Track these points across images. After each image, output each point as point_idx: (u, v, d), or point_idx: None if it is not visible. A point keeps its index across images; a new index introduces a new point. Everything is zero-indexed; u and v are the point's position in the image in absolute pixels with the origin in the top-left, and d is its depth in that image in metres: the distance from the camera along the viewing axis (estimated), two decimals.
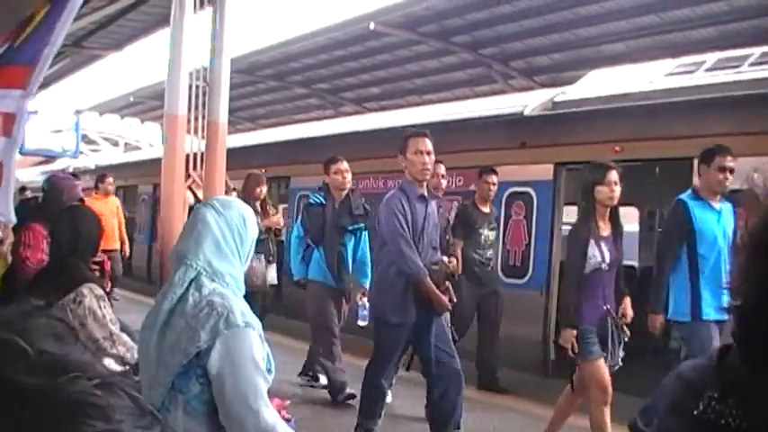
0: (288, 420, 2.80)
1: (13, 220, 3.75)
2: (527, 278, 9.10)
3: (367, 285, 7.79)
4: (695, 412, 1.26)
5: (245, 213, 2.84)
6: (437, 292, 5.91)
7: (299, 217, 8.35)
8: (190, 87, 6.72)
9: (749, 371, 1.24)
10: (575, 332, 5.65)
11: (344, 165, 7.82)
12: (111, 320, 4.26)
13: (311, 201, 7.98)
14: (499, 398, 7.98)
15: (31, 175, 22.25)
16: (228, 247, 2.74)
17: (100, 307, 4.22)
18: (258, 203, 8.99)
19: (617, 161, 8.10)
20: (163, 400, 2.58)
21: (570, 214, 9.77)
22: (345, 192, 7.84)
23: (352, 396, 7.34)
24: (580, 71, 11.73)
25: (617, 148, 8.08)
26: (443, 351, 6.07)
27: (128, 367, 3.71)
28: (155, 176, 14.71)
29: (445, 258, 6.75)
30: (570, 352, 5.72)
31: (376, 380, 6.28)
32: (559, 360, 7.42)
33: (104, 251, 11.57)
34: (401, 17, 14.08)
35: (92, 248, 4.53)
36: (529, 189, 8.94)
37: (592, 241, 5.70)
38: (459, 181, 9.76)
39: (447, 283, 6.45)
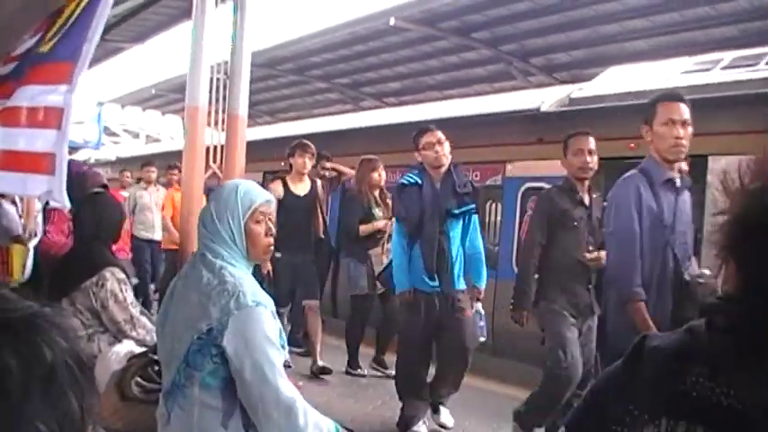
0: None
1: (68, 205, 3.90)
2: None
3: (482, 285, 6.46)
4: (682, 387, 1.31)
5: (221, 193, 2.94)
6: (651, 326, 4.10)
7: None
8: (211, 80, 6.81)
9: (739, 352, 1.29)
10: None
11: (437, 135, 6.39)
12: (132, 304, 4.39)
13: (404, 181, 6.44)
14: None
15: None
16: (210, 226, 2.86)
17: (121, 290, 4.35)
18: (377, 192, 8.46)
19: (631, 158, 8.18)
20: (179, 375, 2.69)
21: None
22: (444, 168, 6.34)
23: None
24: (600, 68, 11.75)
25: (632, 145, 8.11)
26: None
27: (147, 349, 3.81)
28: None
29: (707, 271, 4.55)
30: None
31: None
32: None
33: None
34: (421, 13, 14.11)
35: (113, 233, 4.67)
36: (545, 184, 8.95)
37: None
38: (476, 176, 9.83)
39: None
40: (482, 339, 6.33)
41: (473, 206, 6.37)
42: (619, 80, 9.38)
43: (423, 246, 6.20)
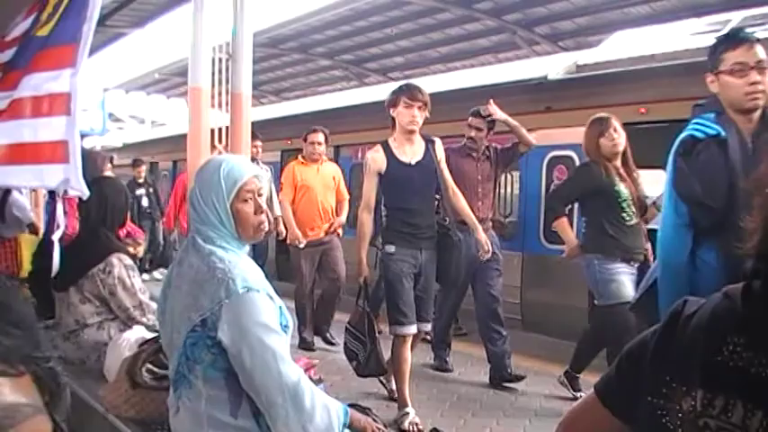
0: (319, 381, 2.82)
1: (86, 192, 3.82)
2: None
3: None
4: (719, 358, 1.23)
5: (204, 173, 2.80)
6: None
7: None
8: (213, 61, 6.75)
9: None
10: None
11: (757, 52, 3.48)
12: (141, 290, 4.34)
13: (694, 132, 3.56)
14: None
15: None
16: (198, 208, 2.74)
17: (129, 276, 4.30)
18: (619, 162, 6.02)
19: (642, 123, 8.10)
20: (181, 366, 2.62)
21: None
22: (758, 113, 3.57)
23: None
24: (604, 35, 11.63)
25: (642, 110, 8.02)
26: None
27: (157, 335, 3.76)
28: (174, 153, 14.88)
29: None
30: None
31: None
32: None
33: (311, 243, 8.09)
34: None
35: (120, 219, 4.61)
36: (571, 153, 8.77)
37: None
38: None
39: None
40: None
41: None
42: (626, 45, 9.25)
43: (725, 249, 3.29)
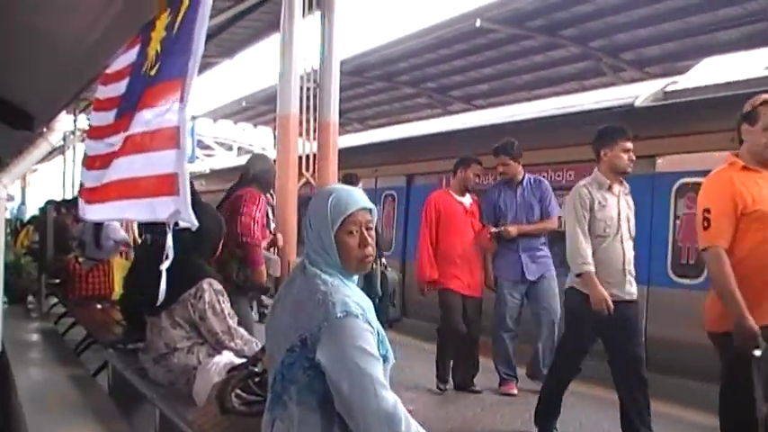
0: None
1: (196, 223, 3.94)
2: None
3: None
4: None
5: (315, 201, 2.85)
6: None
7: None
8: (301, 89, 6.87)
9: None
10: None
11: None
12: (230, 315, 4.41)
13: None
14: None
15: None
16: (308, 233, 2.80)
17: (219, 301, 4.38)
18: None
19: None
20: (276, 384, 2.66)
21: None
22: None
23: None
24: (692, 61, 11.42)
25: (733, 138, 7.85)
26: None
27: (246, 360, 3.81)
28: None
29: None
30: None
31: None
32: None
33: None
34: (507, 12, 14.00)
35: (213, 245, 4.70)
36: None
37: None
38: (570, 176, 9.63)
39: None
40: None
41: None
42: (715, 71, 9.08)
43: None
